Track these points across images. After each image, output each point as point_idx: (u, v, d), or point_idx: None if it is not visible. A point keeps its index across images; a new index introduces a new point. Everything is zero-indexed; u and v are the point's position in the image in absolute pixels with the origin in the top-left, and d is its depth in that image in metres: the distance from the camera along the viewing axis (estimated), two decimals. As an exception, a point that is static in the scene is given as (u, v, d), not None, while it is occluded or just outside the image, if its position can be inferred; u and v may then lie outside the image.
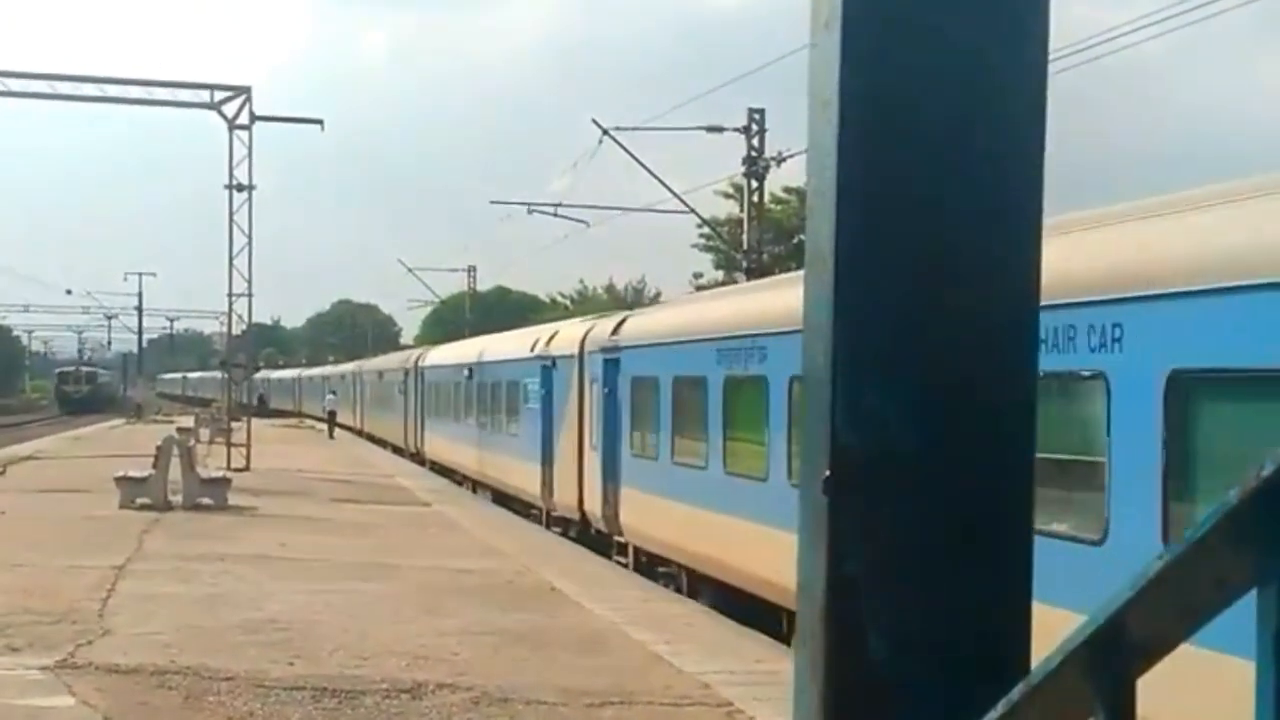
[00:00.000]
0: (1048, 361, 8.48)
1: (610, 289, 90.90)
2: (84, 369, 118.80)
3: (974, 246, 1.44)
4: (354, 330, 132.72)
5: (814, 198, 1.46)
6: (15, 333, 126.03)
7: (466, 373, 33.45)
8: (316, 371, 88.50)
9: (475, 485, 32.79)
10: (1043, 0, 1.47)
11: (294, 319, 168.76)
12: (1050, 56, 1.50)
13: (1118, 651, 1.16)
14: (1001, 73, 1.45)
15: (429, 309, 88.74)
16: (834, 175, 1.41)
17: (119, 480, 23.90)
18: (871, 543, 1.39)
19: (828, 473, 1.39)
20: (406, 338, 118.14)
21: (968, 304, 1.43)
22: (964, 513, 1.41)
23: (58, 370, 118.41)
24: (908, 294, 1.42)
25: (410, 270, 70.76)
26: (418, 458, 41.98)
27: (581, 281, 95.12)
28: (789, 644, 13.28)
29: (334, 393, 65.70)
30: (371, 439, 53.96)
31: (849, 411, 1.39)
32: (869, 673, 1.38)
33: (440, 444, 38.28)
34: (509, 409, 28.82)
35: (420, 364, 43.28)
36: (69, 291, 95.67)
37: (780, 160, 32.81)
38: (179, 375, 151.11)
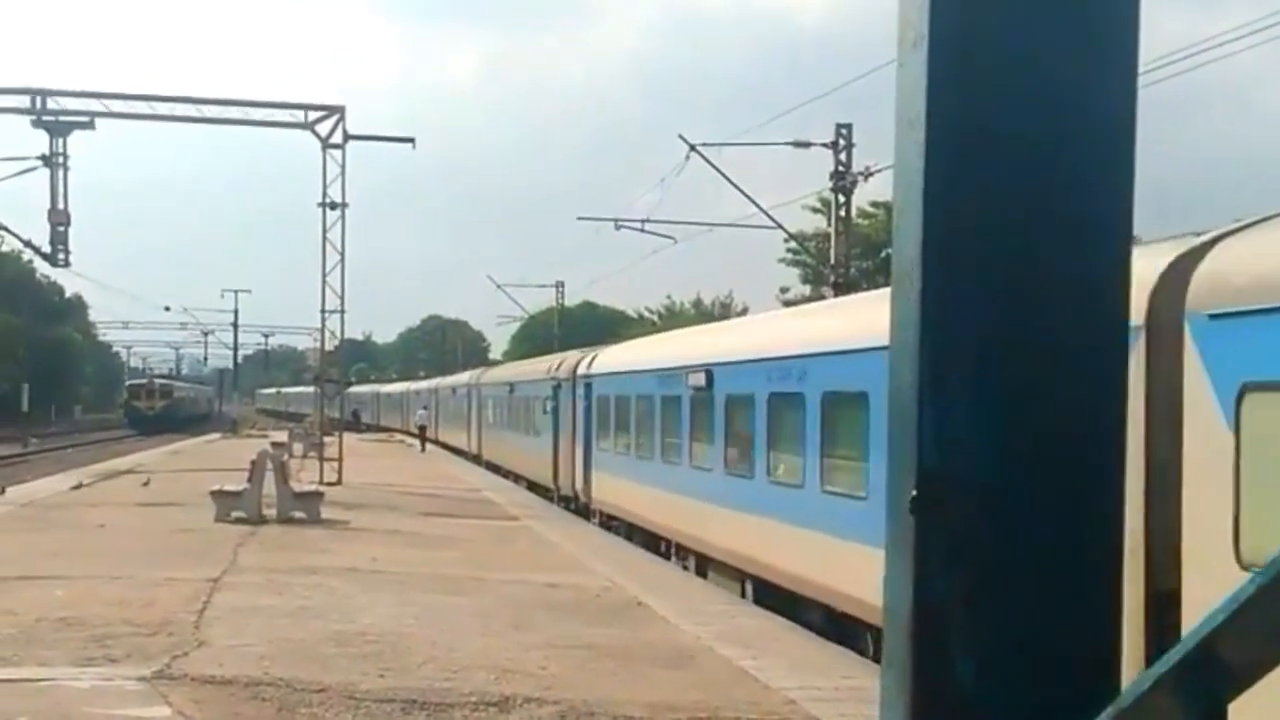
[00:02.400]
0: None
1: (698, 304, 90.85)
2: (158, 381, 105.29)
3: (1062, 266, 1.43)
4: (444, 345, 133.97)
5: (900, 217, 1.46)
6: (115, 349, 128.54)
7: (703, 379, 20.38)
8: (414, 385, 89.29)
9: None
10: (1132, 17, 1.46)
11: (385, 334, 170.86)
12: (1140, 70, 1.48)
13: (1209, 675, 1.14)
14: (1090, 90, 1.44)
15: (517, 325, 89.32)
16: (920, 194, 1.41)
17: (215, 494, 24.31)
18: (958, 564, 1.38)
19: (914, 493, 1.39)
20: (495, 353, 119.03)
21: (1055, 324, 1.42)
22: (1052, 533, 1.40)
23: (128, 383, 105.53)
24: (995, 314, 1.41)
25: (499, 286, 71.35)
26: (570, 501, 31.24)
27: (669, 296, 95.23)
28: (876, 660, 13.18)
29: (425, 408, 67.69)
30: (495, 469, 44.31)
31: (935, 432, 1.39)
32: (956, 695, 1.38)
33: (628, 491, 25.75)
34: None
35: (585, 371, 30.28)
36: (167, 308, 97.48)
37: (867, 175, 32.65)
38: (276, 390, 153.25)
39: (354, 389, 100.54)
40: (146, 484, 31.52)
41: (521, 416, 39.89)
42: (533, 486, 36.38)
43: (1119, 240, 1.46)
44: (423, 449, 58.64)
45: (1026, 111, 1.43)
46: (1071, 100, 1.44)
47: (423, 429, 62.35)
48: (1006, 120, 1.42)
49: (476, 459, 49.30)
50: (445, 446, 59.33)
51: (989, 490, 1.40)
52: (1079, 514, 1.41)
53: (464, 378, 59.22)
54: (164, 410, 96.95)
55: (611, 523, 26.87)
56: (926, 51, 1.41)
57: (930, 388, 1.39)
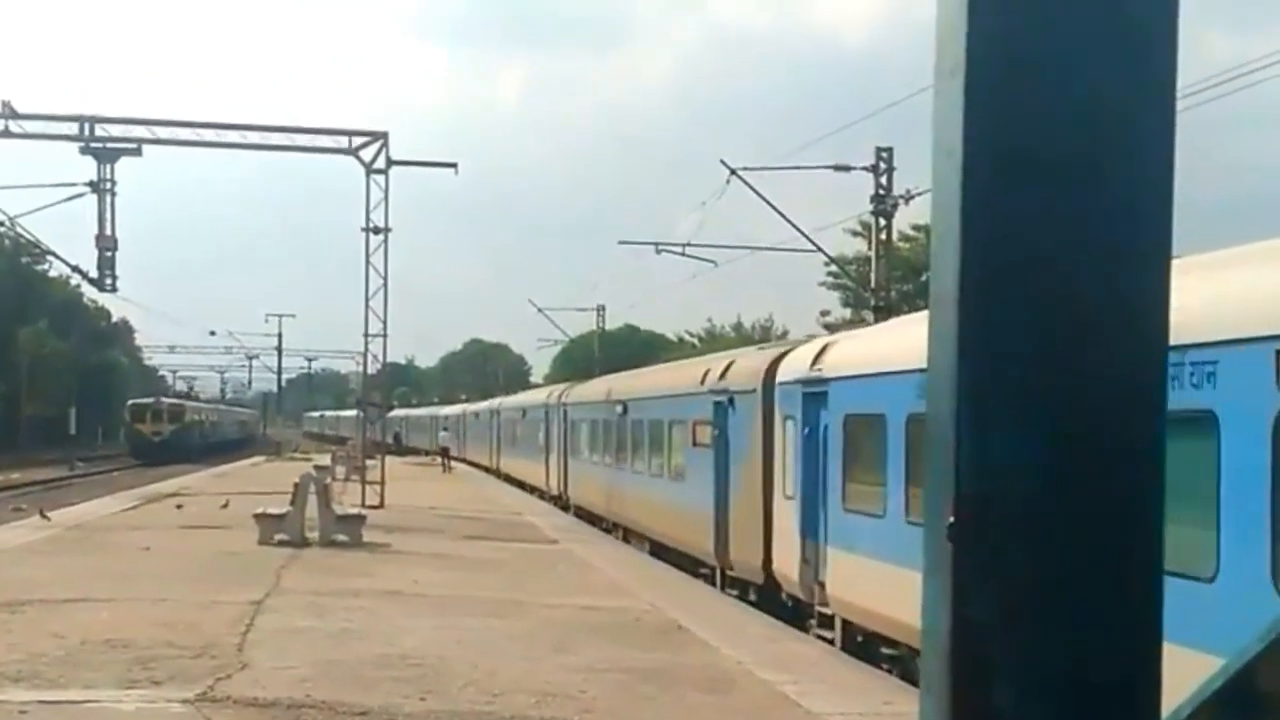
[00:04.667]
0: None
1: (738, 327, 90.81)
2: (164, 401, 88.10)
3: (1101, 291, 1.42)
4: (485, 369, 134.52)
5: (938, 243, 1.46)
6: (160, 373, 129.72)
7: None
8: (444, 410, 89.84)
9: None
10: (1171, 42, 1.46)
11: (427, 358, 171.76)
12: (1180, 94, 1.48)
13: (1249, 704, 1.14)
14: (1128, 116, 1.44)
15: (558, 348, 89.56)
16: (958, 222, 1.41)
17: (258, 517, 24.47)
18: (996, 589, 1.38)
19: (951, 518, 1.39)
20: (536, 377, 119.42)
21: (1095, 348, 1.41)
22: (1091, 560, 1.40)
23: (129, 403, 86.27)
24: (1033, 339, 1.41)
25: (540, 310, 71.56)
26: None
27: (709, 320, 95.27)
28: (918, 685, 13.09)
29: (446, 430, 72.90)
30: (591, 519, 33.97)
31: (973, 456, 1.39)
32: (994, 719, 1.37)
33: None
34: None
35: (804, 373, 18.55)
36: (213, 332, 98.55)
37: (909, 198, 32.56)
38: (326, 414, 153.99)
39: (395, 413, 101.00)
40: (225, 506, 30.98)
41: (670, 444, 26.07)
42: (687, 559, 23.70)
43: (1158, 264, 1.45)
44: (445, 469, 60.27)
45: (1064, 138, 1.43)
46: (1110, 126, 1.44)
47: (445, 450, 64.85)
48: (1044, 147, 1.42)
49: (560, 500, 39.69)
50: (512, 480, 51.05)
51: (1028, 516, 1.39)
52: (1119, 539, 1.41)
53: (540, 396, 49.33)
54: (173, 436, 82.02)
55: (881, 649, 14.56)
56: (964, 79, 1.41)
57: (969, 413, 1.39)
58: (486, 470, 59.78)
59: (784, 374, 18.51)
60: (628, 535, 29.28)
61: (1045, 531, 1.39)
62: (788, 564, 17.68)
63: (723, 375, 21.81)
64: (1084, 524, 1.39)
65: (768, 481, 18.78)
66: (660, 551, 25.38)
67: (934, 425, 1.44)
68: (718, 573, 21.33)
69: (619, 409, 30.21)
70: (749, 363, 21.12)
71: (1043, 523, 1.39)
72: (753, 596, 19.30)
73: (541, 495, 42.62)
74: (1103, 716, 1.38)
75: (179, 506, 32.82)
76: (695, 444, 23.11)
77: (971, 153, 1.41)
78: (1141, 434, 1.43)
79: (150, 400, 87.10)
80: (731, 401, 20.74)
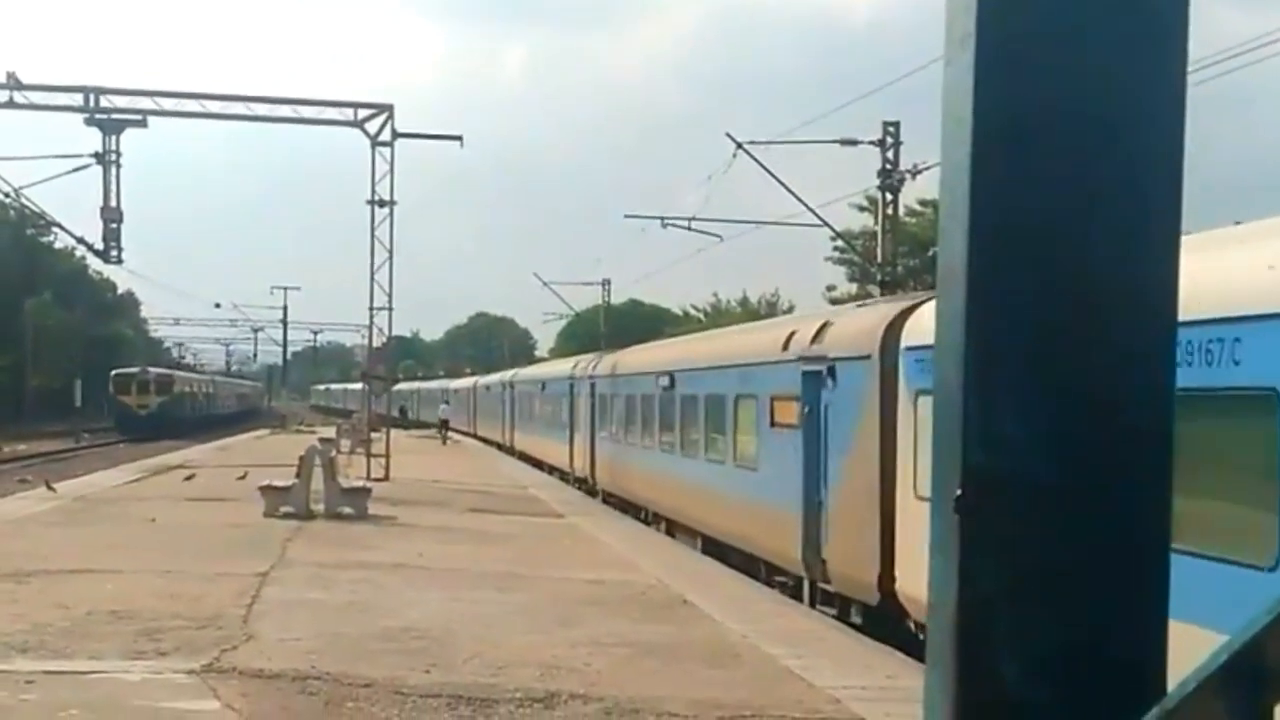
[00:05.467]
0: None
1: (744, 302, 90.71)
2: (151, 371, 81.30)
3: (1110, 265, 1.42)
4: (490, 343, 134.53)
5: (947, 215, 1.46)
6: (166, 345, 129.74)
7: None
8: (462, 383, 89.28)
9: None
10: (1181, 15, 1.44)
11: (432, 332, 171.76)
12: (1191, 66, 1.47)
13: (1255, 677, 1.14)
14: (1139, 88, 1.43)
15: (563, 322, 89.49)
16: (967, 192, 1.41)
17: (264, 489, 24.51)
18: (1003, 563, 1.38)
19: (959, 492, 1.39)
20: (541, 350, 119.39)
21: (1103, 323, 1.41)
22: (1099, 534, 1.39)
23: (114, 373, 78.94)
24: (1041, 313, 1.40)
25: (545, 284, 71.48)
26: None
27: (715, 295, 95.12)
28: (920, 659, 13.12)
29: (447, 403, 72.00)
30: (624, 507, 29.94)
31: (981, 430, 1.39)
32: (1000, 693, 1.37)
33: None
34: None
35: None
36: (218, 305, 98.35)
37: (915, 173, 32.47)
38: (331, 387, 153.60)
39: (402, 385, 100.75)
40: (243, 478, 30.12)
41: None
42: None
43: (1168, 238, 1.45)
44: (444, 442, 60.56)
45: (1074, 109, 1.42)
46: (1120, 98, 1.43)
47: (445, 422, 65.03)
48: (1054, 118, 1.42)
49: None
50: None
51: (1035, 489, 1.39)
52: (1125, 512, 1.41)
53: (562, 367, 43.64)
54: (162, 409, 76.50)
55: None
56: (974, 49, 1.40)
57: (976, 386, 1.39)
58: (499, 447, 57.33)
59: (915, 335, 14.04)
60: (672, 528, 25.21)
61: (1052, 505, 1.39)
62: (923, 584, 14.37)
63: (817, 338, 17.26)
64: (1091, 498, 1.39)
65: (888, 476, 14.82)
66: (717, 551, 21.17)
67: (942, 398, 1.44)
68: (805, 585, 17.27)
69: (664, 382, 25.77)
70: (858, 322, 16.93)
71: (1050, 497, 1.39)
72: (857, 618, 15.68)
73: (563, 477, 38.91)
74: (1108, 690, 1.38)
75: (190, 477, 32.88)
76: (774, 424, 18.59)
77: (982, 122, 1.41)
78: (1150, 408, 1.43)
79: (135, 370, 79.71)
80: (831, 372, 16.62)
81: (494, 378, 67.46)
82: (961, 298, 1.41)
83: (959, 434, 1.39)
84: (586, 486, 35.19)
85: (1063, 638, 1.40)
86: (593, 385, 35.15)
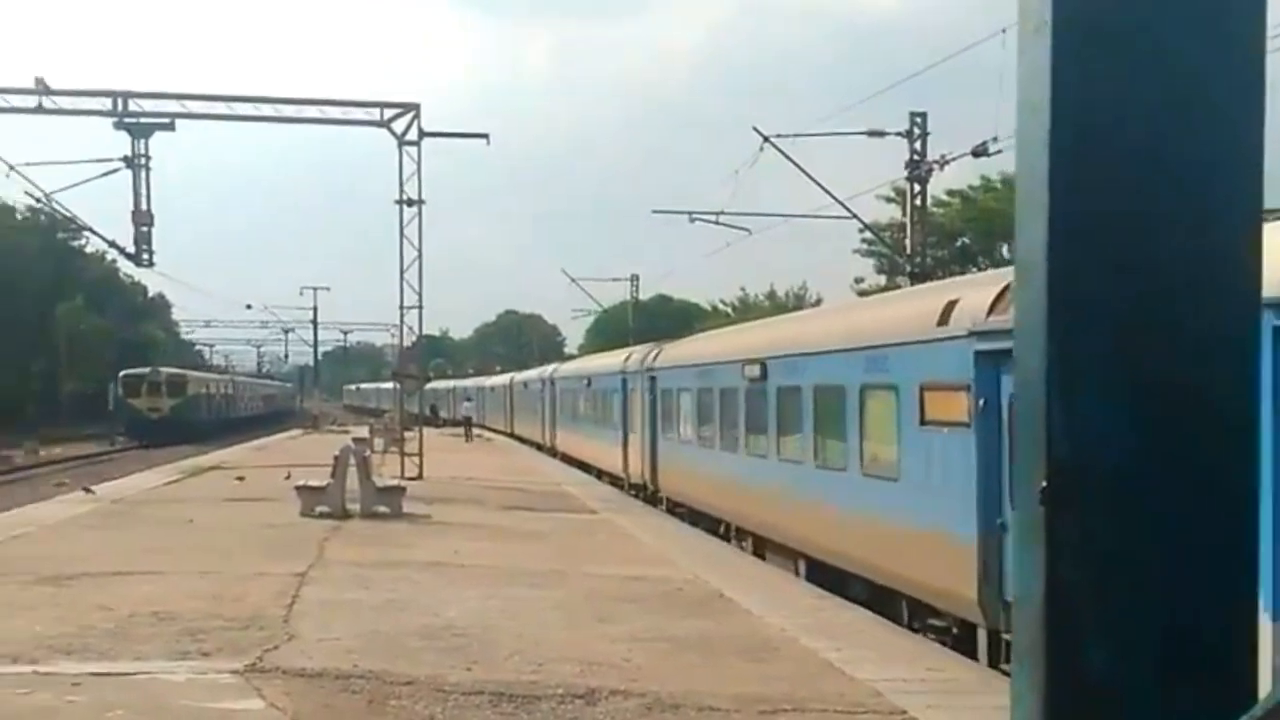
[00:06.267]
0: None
1: (771, 295, 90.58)
2: (163, 372, 76.15)
3: (1190, 252, 1.41)
4: (519, 340, 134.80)
5: (1024, 204, 1.45)
6: (197, 347, 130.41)
7: None
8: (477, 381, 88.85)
9: None
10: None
11: (461, 330, 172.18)
12: (1267, 51, 1.46)
13: None
14: (1216, 72, 1.42)
15: (592, 318, 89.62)
16: (1045, 181, 1.40)
17: (299, 489, 24.64)
18: (1089, 553, 1.38)
19: (1044, 483, 1.39)
20: (570, 347, 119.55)
21: (1184, 310, 1.40)
22: (1184, 522, 1.39)
23: (122, 375, 75.11)
24: (1122, 301, 1.40)
25: (573, 280, 71.59)
26: None
27: (743, 289, 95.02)
28: (964, 653, 13.06)
29: (469, 400, 72.41)
30: (693, 519, 26.46)
31: (1065, 421, 1.38)
32: (1087, 682, 1.37)
33: None
34: None
35: None
36: (249, 306, 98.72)
37: (943, 163, 32.36)
38: (362, 386, 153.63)
39: (435, 384, 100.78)
40: (288, 478, 29.16)
41: None
42: None
43: (1248, 221, 1.44)
44: (468, 439, 60.69)
45: (1151, 95, 1.41)
46: (1197, 82, 1.43)
47: (468, 419, 65.47)
48: (1131, 104, 1.41)
49: None
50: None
51: (1120, 480, 1.39)
52: (1210, 502, 1.40)
53: (612, 361, 39.40)
54: (175, 412, 72.14)
55: None
56: (1050, 37, 1.40)
57: (1059, 378, 1.39)
58: (538, 448, 54.01)
59: None
60: (761, 547, 21.36)
61: (1138, 496, 1.38)
62: None
63: (997, 306, 12.79)
64: (1176, 487, 1.39)
65: None
66: (828, 578, 17.40)
67: (1024, 390, 1.44)
68: (980, 634, 13.20)
69: (752, 372, 21.62)
70: None
71: (1135, 487, 1.38)
72: None
73: (614, 482, 35.76)
74: (1196, 678, 1.38)
75: (240, 478, 33.01)
76: (926, 422, 14.50)
77: (1059, 109, 1.40)
78: (1232, 396, 1.42)
79: (146, 371, 75.06)
80: None
81: (532, 373, 63.85)
82: (1042, 287, 1.40)
83: (1042, 426, 1.39)
84: (645, 494, 31.71)
85: (1150, 627, 1.39)
86: (652, 379, 31.08)
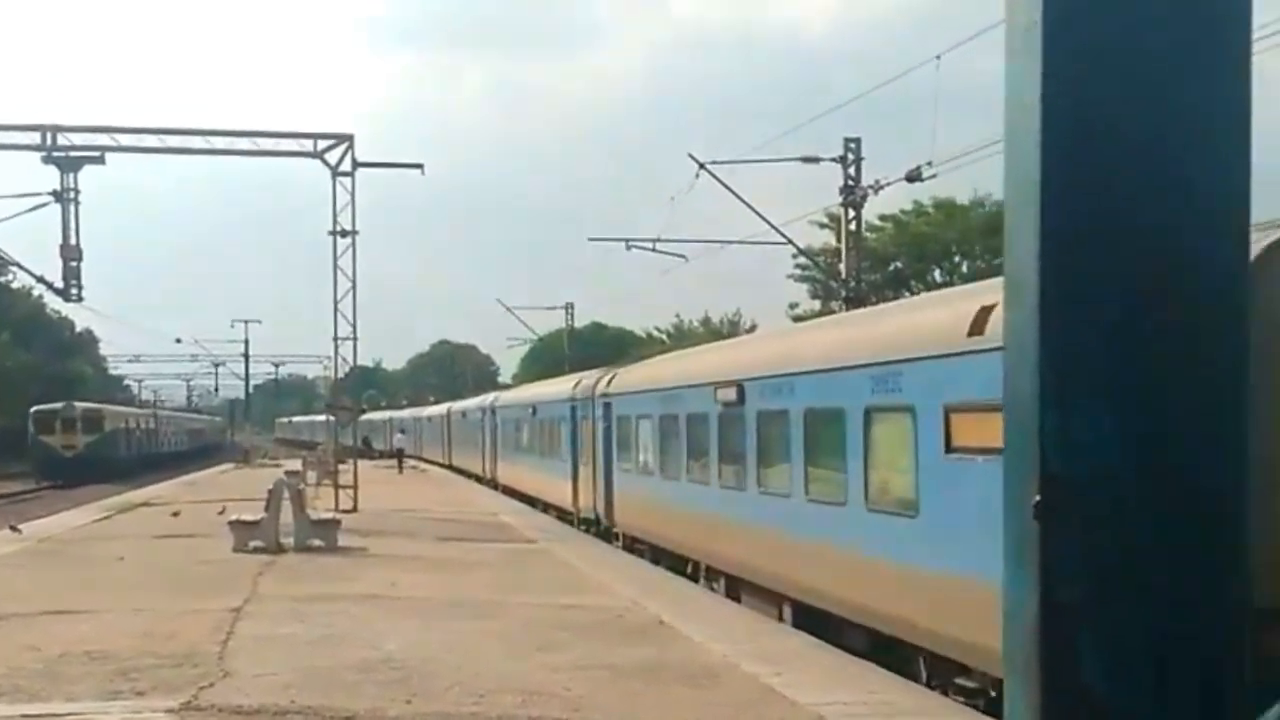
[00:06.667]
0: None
1: (706, 322, 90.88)
2: (77, 407, 71.23)
3: (1182, 258, 1.40)
4: (453, 370, 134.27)
5: (1015, 217, 1.43)
6: (126, 382, 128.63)
7: None
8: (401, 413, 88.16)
9: None
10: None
11: (394, 361, 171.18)
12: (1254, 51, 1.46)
13: None
14: (1204, 76, 1.42)
15: (527, 347, 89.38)
16: (1037, 190, 1.39)
17: (232, 524, 24.32)
18: (1084, 568, 1.36)
19: (1037, 498, 1.37)
20: (504, 376, 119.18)
21: (1177, 321, 1.39)
22: (1178, 534, 1.38)
23: (34, 410, 70.35)
24: (1115, 313, 1.39)
25: (508, 309, 71.42)
26: None
27: (677, 316, 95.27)
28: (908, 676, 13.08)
29: (403, 432, 72.60)
30: (656, 556, 24.57)
31: (1058, 436, 1.37)
32: (1084, 697, 1.35)
33: None
34: None
35: None
36: (178, 340, 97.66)
37: (878, 189, 32.64)
38: (294, 419, 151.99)
39: (371, 415, 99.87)
40: (222, 512, 28.65)
41: None
42: None
43: (1239, 229, 1.43)
44: (400, 470, 60.79)
45: (1141, 95, 1.40)
46: (1187, 86, 1.42)
47: (400, 451, 65.87)
48: (1122, 106, 1.40)
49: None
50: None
51: (1114, 493, 1.38)
52: (1205, 515, 1.39)
53: (560, 388, 37.22)
54: (90, 450, 67.63)
55: None
56: (1040, 37, 1.38)
57: (1052, 393, 1.37)
58: (478, 479, 51.97)
59: None
60: (735, 588, 19.43)
61: (1132, 509, 1.37)
62: None
63: None
64: (1171, 500, 1.37)
65: None
66: (821, 624, 15.68)
67: (1014, 403, 1.42)
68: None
69: (726, 395, 19.52)
70: None
71: (1129, 500, 1.37)
72: None
73: (561, 517, 33.91)
74: (1193, 690, 1.37)
75: (176, 514, 32.54)
76: (953, 450, 12.43)
77: (1050, 111, 1.39)
78: (1225, 408, 1.41)
79: (59, 406, 70.17)
80: None
81: (471, 402, 61.67)
82: (1034, 301, 1.39)
83: (1034, 439, 1.38)
84: (598, 529, 29.73)
85: (1146, 639, 1.38)
86: (606, 406, 29.02)
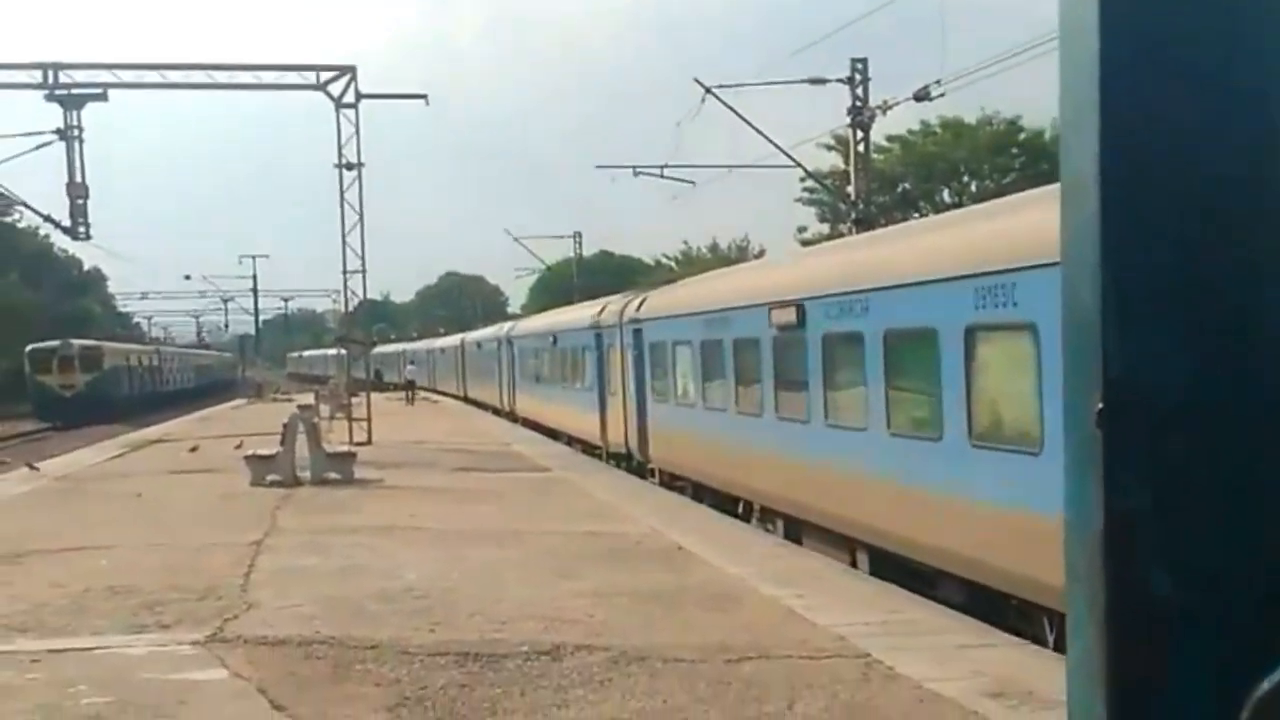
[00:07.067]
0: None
1: (714, 248, 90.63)
2: (74, 344, 67.73)
3: (1244, 171, 1.38)
4: (461, 302, 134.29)
5: (1070, 127, 1.41)
6: (135, 319, 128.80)
7: None
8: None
9: None
10: None
11: (403, 294, 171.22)
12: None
13: None
14: None
15: (535, 277, 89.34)
16: (1096, 100, 1.36)
17: (249, 459, 24.44)
18: (1149, 476, 1.36)
19: (1100, 405, 1.36)
20: (514, 307, 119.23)
21: (1237, 228, 1.38)
22: (1244, 440, 1.37)
23: (29, 349, 67.48)
24: (1177, 220, 1.37)
25: (516, 239, 71.38)
26: None
27: (685, 242, 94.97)
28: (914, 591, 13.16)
29: (413, 364, 72.82)
30: (698, 493, 23.04)
31: (1121, 341, 1.36)
32: (1150, 605, 1.36)
33: None
34: None
35: None
36: (187, 277, 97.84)
37: (886, 109, 32.38)
38: (305, 353, 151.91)
39: (383, 348, 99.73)
40: (239, 447, 28.52)
41: None
42: None
43: None
44: (409, 401, 60.88)
45: (1202, 12, 1.37)
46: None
47: (411, 383, 65.66)
48: (1182, 22, 1.37)
49: None
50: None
51: (1179, 399, 1.37)
52: (1271, 420, 1.38)
53: (581, 314, 35.57)
54: (90, 388, 65.23)
55: None
56: None
57: (1115, 297, 1.36)
58: (496, 412, 50.66)
59: None
60: (794, 531, 17.86)
61: (1197, 415, 1.36)
62: None
63: None
64: (1236, 405, 1.37)
65: None
66: (902, 573, 14.00)
67: (1073, 312, 1.41)
68: None
69: (783, 318, 17.68)
70: None
71: (1194, 406, 1.36)
72: None
73: (588, 450, 32.43)
74: (1263, 601, 1.37)
75: (194, 449, 32.75)
76: None
77: (1109, 29, 1.36)
78: None
79: (56, 344, 67.03)
80: None
81: (487, 332, 59.79)
82: (1094, 208, 1.37)
83: (1096, 347, 1.37)
84: (630, 464, 28.03)
85: (1212, 545, 1.38)
86: (637, 333, 27.09)
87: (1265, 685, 1.27)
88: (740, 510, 20.09)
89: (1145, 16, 1.37)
